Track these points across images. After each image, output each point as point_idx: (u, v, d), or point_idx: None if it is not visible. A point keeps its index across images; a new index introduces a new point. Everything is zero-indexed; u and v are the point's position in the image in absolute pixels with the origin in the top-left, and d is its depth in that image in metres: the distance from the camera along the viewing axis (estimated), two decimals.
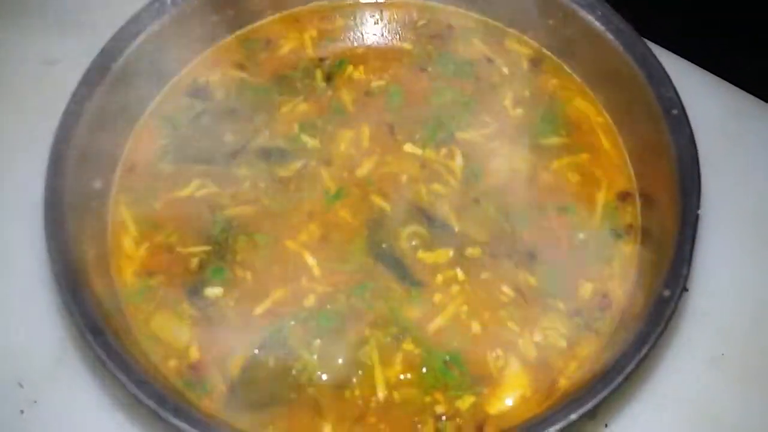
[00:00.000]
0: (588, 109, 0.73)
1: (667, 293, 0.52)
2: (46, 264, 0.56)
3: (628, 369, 0.49)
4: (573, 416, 0.47)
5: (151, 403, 0.48)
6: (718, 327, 0.68)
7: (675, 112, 0.61)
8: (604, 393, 0.48)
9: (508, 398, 0.58)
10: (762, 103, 0.81)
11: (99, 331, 0.51)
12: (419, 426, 0.58)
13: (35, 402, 0.63)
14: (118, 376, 0.49)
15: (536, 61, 0.76)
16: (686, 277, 0.53)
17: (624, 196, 0.68)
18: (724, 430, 0.64)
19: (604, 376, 0.50)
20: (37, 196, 0.59)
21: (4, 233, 0.71)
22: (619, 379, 0.49)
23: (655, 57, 0.65)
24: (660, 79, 0.63)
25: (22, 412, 0.63)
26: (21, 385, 0.64)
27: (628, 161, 0.69)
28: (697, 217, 0.55)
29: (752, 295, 0.70)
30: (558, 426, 0.47)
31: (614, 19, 0.67)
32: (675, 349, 0.67)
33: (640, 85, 0.64)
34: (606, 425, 0.64)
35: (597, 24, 0.68)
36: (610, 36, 0.67)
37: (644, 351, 0.49)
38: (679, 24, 0.91)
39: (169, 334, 0.61)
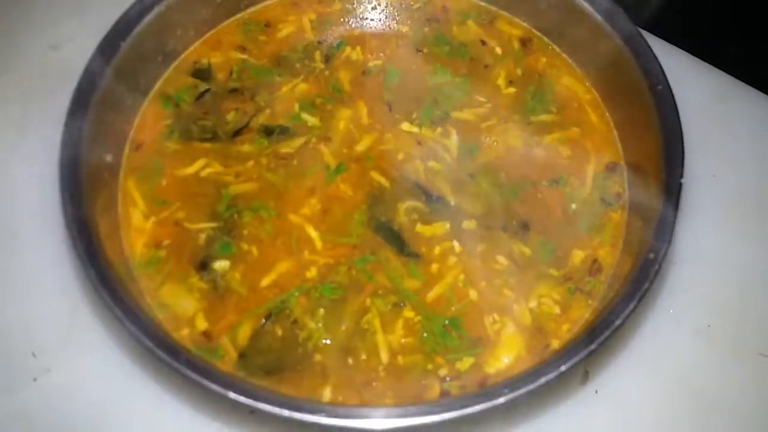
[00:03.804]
0: (576, 86, 0.76)
1: (651, 255, 0.55)
2: (61, 233, 0.58)
3: (616, 323, 0.52)
4: (563, 368, 0.50)
5: (166, 356, 0.51)
6: (704, 299, 0.71)
7: (660, 87, 0.64)
8: (593, 346, 0.51)
9: (505, 358, 0.61)
10: (745, 86, 0.84)
11: (115, 291, 0.54)
12: (426, 389, 0.60)
13: (48, 370, 0.65)
14: (133, 330, 0.52)
15: (526, 41, 0.79)
16: (670, 241, 0.56)
17: (612, 167, 0.71)
18: (710, 400, 0.66)
19: (592, 332, 0.53)
20: (49, 172, 0.62)
21: (16, 207, 0.73)
22: (606, 333, 0.52)
23: (640, 35, 0.68)
24: (645, 56, 0.66)
25: (35, 379, 0.65)
26: (34, 355, 0.66)
27: (615, 134, 0.72)
28: (680, 185, 0.58)
29: (738, 268, 0.73)
30: (550, 376, 0.50)
31: (602, 1, 0.70)
32: (663, 321, 0.70)
33: (626, 62, 0.68)
34: (596, 391, 0.67)
35: (585, 5, 0.71)
36: (598, 17, 0.70)
37: (630, 308, 0.53)
38: (666, 10, 0.94)
39: (178, 303, 0.64)
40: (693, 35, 0.89)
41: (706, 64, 0.86)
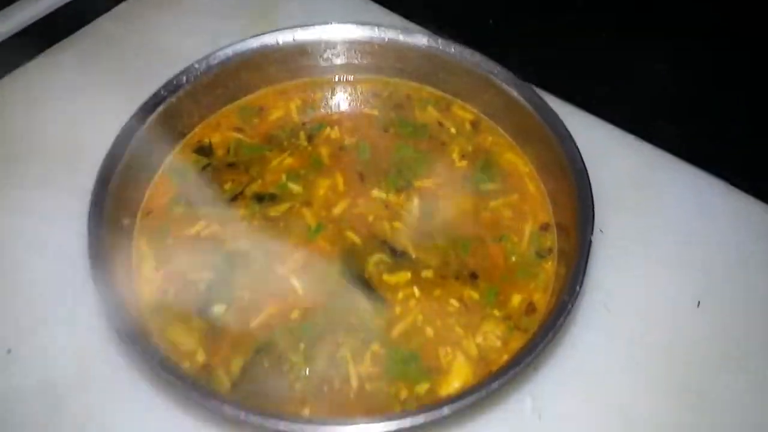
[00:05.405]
0: (516, 161, 0.90)
1: (566, 298, 0.69)
2: (91, 287, 0.70)
3: (537, 350, 0.65)
4: (494, 385, 0.63)
5: (177, 381, 0.62)
6: (623, 330, 0.81)
7: (578, 166, 0.79)
8: (516, 370, 0.64)
9: (455, 383, 0.73)
10: (673, 157, 0.97)
11: (131, 331, 0.67)
12: (389, 410, 0.70)
13: (66, 402, 0.75)
14: (147, 358, 0.65)
15: (476, 124, 0.94)
16: (581, 285, 0.70)
17: (545, 227, 0.85)
18: (642, 424, 0.75)
19: (517, 359, 0.66)
20: (76, 234, 0.74)
21: (48, 263, 0.84)
22: (529, 358, 0.65)
23: (562, 123, 0.83)
24: (566, 140, 0.81)
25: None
26: (54, 386, 0.75)
27: (548, 200, 0.86)
28: (590, 242, 0.73)
29: (652, 304, 0.83)
30: (481, 393, 0.63)
31: (532, 94, 0.86)
32: (591, 349, 0.80)
33: (552, 144, 0.83)
34: (539, 416, 0.77)
35: (519, 97, 0.87)
36: (529, 107, 0.85)
37: (549, 337, 0.66)
38: (599, 90, 1.09)
39: (181, 341, 0.75)
40: (623, 111, 1.03)
41: (635, 137, 0.99)
